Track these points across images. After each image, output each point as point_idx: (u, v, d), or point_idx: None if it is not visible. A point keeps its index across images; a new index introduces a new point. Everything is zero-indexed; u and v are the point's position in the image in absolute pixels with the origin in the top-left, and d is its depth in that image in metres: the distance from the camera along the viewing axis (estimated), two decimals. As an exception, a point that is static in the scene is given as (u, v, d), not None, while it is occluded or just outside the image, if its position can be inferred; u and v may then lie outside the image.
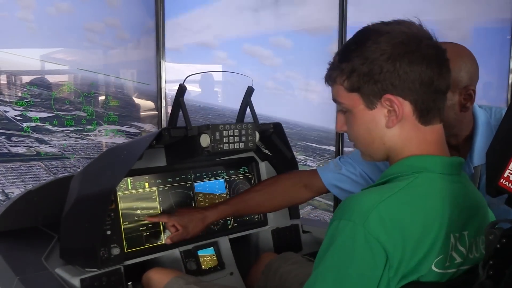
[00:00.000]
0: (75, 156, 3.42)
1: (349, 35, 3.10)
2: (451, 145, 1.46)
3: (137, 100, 3.77)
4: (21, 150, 3.23)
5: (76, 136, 3.44)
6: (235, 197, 1.77)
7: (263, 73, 3.58)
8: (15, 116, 3.18)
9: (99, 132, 3.53)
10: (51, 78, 3.31)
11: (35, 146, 3.27)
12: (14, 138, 3.20)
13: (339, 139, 3.38)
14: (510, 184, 0.80)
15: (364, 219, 0.88)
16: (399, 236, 0.89)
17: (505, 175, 0.80)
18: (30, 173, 3.26)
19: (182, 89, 1.62)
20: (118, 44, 3.62)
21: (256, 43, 3.65)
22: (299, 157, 3.58)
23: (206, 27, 3.78)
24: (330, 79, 1.07)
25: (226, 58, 3.76)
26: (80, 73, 3.42)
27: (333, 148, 3.44)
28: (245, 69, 3.57)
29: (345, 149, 3.40)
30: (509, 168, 0.80)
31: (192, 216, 1.64)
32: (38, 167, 3.31)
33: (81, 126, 3.45)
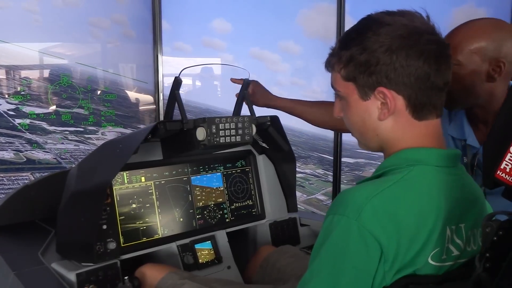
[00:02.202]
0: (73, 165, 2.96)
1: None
2: (479, 119, 1.54)
3: (138, 97, 3.73)
4: (8, 155, 2.63)
5: (76, 139, 3.03)
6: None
7: (269, 78, 3.51)
8: (8, 110, 2.70)
9: (102, 135, 3.25)
10: (49, 72, 3.20)
11: (26, 151, 2.73)
12: (1, 139, 2.62)
13: (337, 149, 3.34)
14: (507, 175, 0.79)
15: (358, 213, 0.88)
16: (393, 230, 0.88)
17: (502, 167, 0.79)
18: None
19: (177, 82, 1.61)
20: (120, 39, 3.57)
21: (264, 47, 3.60)
22: (317, 170, 3.53)
23: (214, 28, 3.75)
24: (329, 65, 1.07)
25: (233, 61, 3.72)
26: (79, 67, 3.30)
27: (349, 160, 3.37)
28: (252, 74, 3.49)
29: (343, 159, 3.37)
30: (506, 159, 0.79)
31: (265, 90, 1.97)
32: (27, 180, 2.72)
33: (82, 126, 3.05)
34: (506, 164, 0.79)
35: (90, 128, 3.10)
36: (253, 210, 1.97)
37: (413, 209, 0.91)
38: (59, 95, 3.15)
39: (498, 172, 0.80)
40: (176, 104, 1.63)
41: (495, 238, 0.80)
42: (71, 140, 2.98)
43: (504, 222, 0.80)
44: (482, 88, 1.45)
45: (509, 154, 0.78)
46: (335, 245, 0.90)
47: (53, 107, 3.12)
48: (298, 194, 3.34)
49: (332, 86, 1.08)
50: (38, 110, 2.93)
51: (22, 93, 2.90)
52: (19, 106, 2.83)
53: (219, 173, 1.90)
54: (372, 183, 0.95)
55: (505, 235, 0.79)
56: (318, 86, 3.43)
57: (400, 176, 0.94)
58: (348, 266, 0.88)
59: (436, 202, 0.94)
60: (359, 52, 0.97)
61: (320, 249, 0.92)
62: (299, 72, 3.56)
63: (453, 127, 1.62)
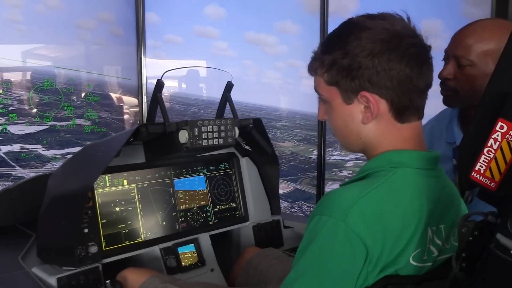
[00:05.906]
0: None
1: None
2: (470, 120, 1.54)
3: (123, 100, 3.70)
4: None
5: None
6: None
7: (265, 62, 3.38)
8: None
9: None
10: (34, 76, 3.08)
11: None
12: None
13: (320, 163, 3.31)
14: (481, 177, 0.81)
15: (345, 215, 0.89)
16: (380, 231, 0.89)
17: (476, 168, 0.81)
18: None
19: (159, 85, 1.61)
20: (106, 41, 3.53)
21: (260, 30, 3.45)
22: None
23: (206, 15, 3.62)
24: (312, 69, 1.08)
25: (227, 48, 3.61)
26: (63, 70, 3.22)
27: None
28: (246, 60, 3.44)
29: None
30: (480, 161, 0.80)
31: None
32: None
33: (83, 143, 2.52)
34: (480, 166, 0.80)
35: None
36: (236, 213, 1.97)
37: (398, 211, 0.93)
38: (47, 105, 2.93)
39: (473, 173, 0.81)
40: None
41: (471, 238, 0.82)
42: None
43: (479, 222, 0.82)
44: None
45: (483, 156, 0.80)
46: (321, 246, 0.90)
47: (52, 123, 2.83)
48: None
49: (316, 90, 1.08)
50: (29, 130, 2.31)
51: (11, 108, 2.46)
52: (4, 124, 2.30)
53: (202, 176, 1.90)
54: (357, 185, 0.97)
55: (480, 235, 0.81)
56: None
57: (384, 179, 0.96)
58: (333, 268, 0.89)
59: (418, 204, 0.96)
60: (341, 57, 0.98)
61: (305, 250, 0.92)
62: (298, 52, 3.42)
63: (447, 131, 1.65)
